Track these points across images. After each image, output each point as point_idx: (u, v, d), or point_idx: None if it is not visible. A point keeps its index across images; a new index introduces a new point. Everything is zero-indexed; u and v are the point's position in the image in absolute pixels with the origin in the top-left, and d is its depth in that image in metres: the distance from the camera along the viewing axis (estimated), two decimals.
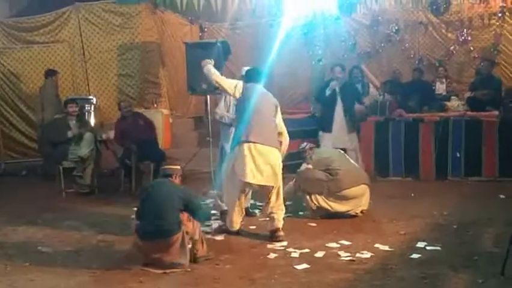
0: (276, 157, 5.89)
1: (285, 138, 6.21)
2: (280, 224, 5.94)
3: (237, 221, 6.06)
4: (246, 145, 5.79)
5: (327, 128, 8.50)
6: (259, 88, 6.10)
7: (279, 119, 6.13)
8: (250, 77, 6.20)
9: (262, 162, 5.79)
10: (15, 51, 10.20)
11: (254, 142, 5.79)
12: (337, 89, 8.39)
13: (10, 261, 5.43)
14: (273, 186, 5.90)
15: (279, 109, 6.14)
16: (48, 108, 9.31)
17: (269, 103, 6.06)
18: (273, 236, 5.89)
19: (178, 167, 5.52)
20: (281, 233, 5.88)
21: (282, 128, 6.18)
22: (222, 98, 6.93)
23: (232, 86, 6.15)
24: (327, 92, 8.39)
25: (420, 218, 6.52)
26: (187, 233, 5.12)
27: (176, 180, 5.42)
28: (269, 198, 5.97)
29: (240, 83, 6.20)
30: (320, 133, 8.61)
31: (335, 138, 8.44)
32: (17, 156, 10.30)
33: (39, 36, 10.26)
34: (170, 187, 5.30)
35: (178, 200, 5.19)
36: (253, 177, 5.78)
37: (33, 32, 10.27)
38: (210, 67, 6.26)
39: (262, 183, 5.87)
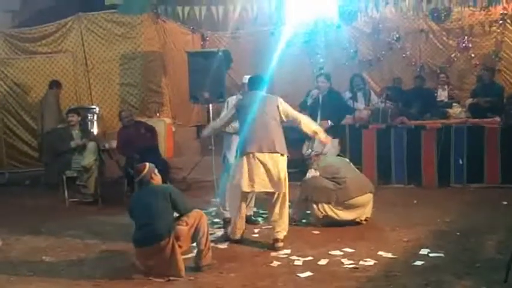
0: (276, 163, 5.89)
1: (303, 121, 6.13)
2: (279, 234, 5.92)
3: (239, 229, 6.09)
4: (245, 156, 5.87)
5: (307, 137, 8.35)
6: (258, 95, 6.12)
7: (286, 113, 6.03)
8: (251, 85, 6.27)
9: (261, 170, 5.83)
10: (18, 62, 10.23)
11: (252, 152, 5.85)
12: (320, 98, 8.31)
13: (14, 271, 5.43)
14: (274, 193, 5.92)
15: (282, 104, 6.05)
16: (49, 118, 9.35)
17: (270, 106, 6.04)
18: (273, 246, 5.90)
19: (147, 166, 5.35)
20: (280, 244, 5.87)
21: (296, 115, 6.12)
22: (224, 107, 6.97)
23: (224, 112, 6.56)
24: (309, 101, 8.34)
25: (423, 225, 6.52)
26: (178, 238, 5.08)
27: (156, 178, 5.38)
28: (273, 207, 5.98)
29: (231, 99, 6.52)
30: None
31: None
32: (20, 166, 10.31)
33: (42, 47, 10.31)
34: (152, 190, 5.30)
35: (164, 198, 5.17)
36: (248, 185, 5.85)
37: (36, 42, 10.31)
38: (208, 129, 6.65)
39: (259, 190, 5.93)
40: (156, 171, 5.42)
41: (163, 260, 5.04)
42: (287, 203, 6.06)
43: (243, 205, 6.07)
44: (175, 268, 5.05)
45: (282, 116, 6.01)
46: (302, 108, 8.63)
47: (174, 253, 5.04)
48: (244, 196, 6.03)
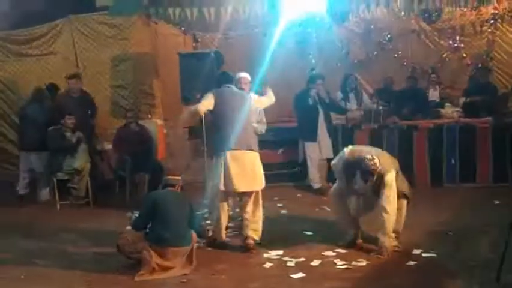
0: (252, 161, 5.86)
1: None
2: (252, 236, 5.88)
3: (221, 231, 6.03)
4: (222, 154, 5.80)
5: (312, 137, 8.51)
6: (228, 91, 6.05)
7: (258, 105, 6.09)
8: (222, 81, 6.16)
9: (238, 169, 5.77)
10: (8, 64, 10.17)
11: (229, 150, 5.78)
12: (316, 98, 8.48)
13: (6, 274, 5.40)
14: (251, 192, 5.87)
15: (253, 100, 6.06)
16: None
17: (242, 102, 5.98)
18: (244, 247, 5.87)
19: (180, 178, 5.63)
20: (251, 241, 5.85)
21: (265, 101, 6.18)
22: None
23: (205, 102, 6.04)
24: (311, 102, 8.46)
25: (416, 225, 6.50)
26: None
27: (179, 191, 5.55)
28: (245, 206, 5.93)
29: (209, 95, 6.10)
30: (305, 143, 8.62)
31: (322, 147, 8.48)
32: (12, 168, 10.22)
33: (32, 49, 10.24)
34: (181, 197, 5.49)
35: (190, 207, 5.43)
36: (228, 185, 5.77)
37: (26, 44, 10.24)
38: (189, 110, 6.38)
39: (238, 190, 5.84)
40: (181, 187, 5.63)
41: (184, 260, 5.26)
42: (261, 204, 5.99)
43: (225, 205, 6.00)
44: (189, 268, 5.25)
45: (256, 111, 6.08)
46: (299, 108, 8.72)
47: (192, 255, 5.30)
48: (225, 196, 5.94)
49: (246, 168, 5.81)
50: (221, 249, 5.96)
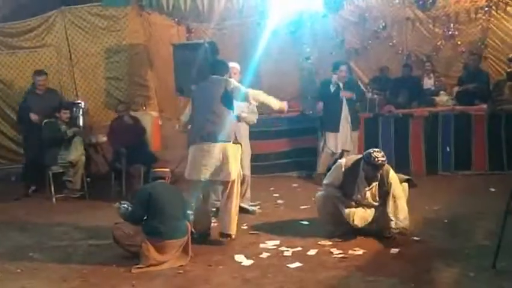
0: (225, 151, 5.66)
1: (272, 102, 5.89)
2: (228, 230, 5.77)
3: (202, 223, 5.93)
4: (191, 147, 5.80)
5: (334, 128, 8.46)
6: (210, 80, 5.90)
7: (253, 95, 5.78)
8: (208, 71, 6.09)
9: (207, 159, 5.65)
10: (0, 57, 10.10)
11: (196, 143, 5.75)
12: (341, 86, 8.42)
13: (2, 268, 5.39)
14: (227, 182, 5.73)
15: (231, 85, 5.74)
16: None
17: (217, 90, 5.74)
18: (220, 238, 5.82)
19: (168, 170, 5.62)
20: (223, 239, 5.77)
21: (260, 98, 5.84)
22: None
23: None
24: (332, 88, 8.41)
25: (412, 213, 6.45)
26: None
27: (168, 183, 5.55)
28: (222, 198, 5.87)
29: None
30: (325, 133, 8.57)
31: (342, 138, 8.44)
32: (6, 162, 10.20)
33: (25, 42, 10.17)
34: (172, 189, 5.48)
35: (181, 200, 5.42)
36: (197, 173, 5.69)
37: (19, 37, 10.16)
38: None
39: (208, 178, 5.69)
40: (170, 179, 5.61)
41: (179, 252, 5.27)
42: (235, 197, 5.81)
43: (206, 196, 5.92)
44: (185, 260, 5.26)
45: (234, 97, 5.76)
46: (322, 98, 8.68)
47: (188, 247, 5.31)
48: (201, 186, 5.80)
49: (212, 159, 5.64)
50: (204, 239, 5.89)
